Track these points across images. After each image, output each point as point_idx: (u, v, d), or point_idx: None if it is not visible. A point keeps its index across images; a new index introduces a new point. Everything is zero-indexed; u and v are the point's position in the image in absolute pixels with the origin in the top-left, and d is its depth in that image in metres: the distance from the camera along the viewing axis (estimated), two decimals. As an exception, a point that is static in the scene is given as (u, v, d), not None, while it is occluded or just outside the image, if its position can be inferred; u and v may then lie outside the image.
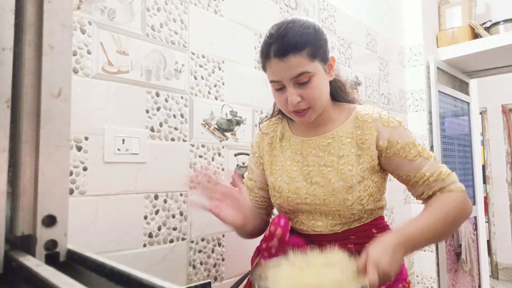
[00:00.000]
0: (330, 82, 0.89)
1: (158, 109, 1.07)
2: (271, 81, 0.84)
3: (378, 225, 0.91)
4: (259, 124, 1.05)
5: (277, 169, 0.94)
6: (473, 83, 2.93)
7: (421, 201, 0.89)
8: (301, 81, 0.80)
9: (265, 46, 0.82)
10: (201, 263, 1.16)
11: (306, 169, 0.89)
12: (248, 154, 1.34)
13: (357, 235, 0.88)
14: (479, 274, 2.74)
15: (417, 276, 2.35)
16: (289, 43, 0.78)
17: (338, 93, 0.94)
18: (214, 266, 1.20)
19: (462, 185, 0.86)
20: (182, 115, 1.14)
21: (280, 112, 1.01)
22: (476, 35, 2.47)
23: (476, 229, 2.77)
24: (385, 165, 0.89)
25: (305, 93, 0.81)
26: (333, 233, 0.88)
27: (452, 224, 0.82)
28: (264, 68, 0.85)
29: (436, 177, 0.85)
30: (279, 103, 0.87)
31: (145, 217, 1.03)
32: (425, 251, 2.31)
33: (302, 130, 0.95)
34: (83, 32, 0.92)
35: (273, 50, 0.79)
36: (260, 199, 1.03)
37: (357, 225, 0.88)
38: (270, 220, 0.99)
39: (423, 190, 0.87)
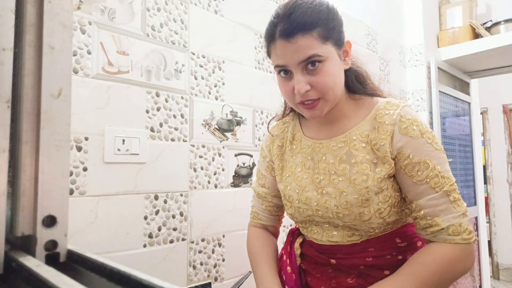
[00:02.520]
0: (346, 71, 0.77)
1: (158, 109, 1.07)
2: (276, 66, 0.72)
3: (403, 234, 0.79)
4: (268, 125, 0.94)
5: (286, 176, 0.84)
6: (474, 83, 2.93)
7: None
8: (311, 66, 0.69)
9: (270, 27, 0.71)
10: (201, 264, 1.16)
11: (317, 178, 0.78)
12: (248, 155, 1.34)
13: (376, 247, 0.77)
14: (480, 274, 2.73)
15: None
16: (297, 22, 0.67)
17: (355, 85, 0.80)
18: (215, 266, 1.20)
19: (469, 235, 0.69)
20: (182, 115, 1.14)
21: (292, 110, 0.90)
22: (476, 35, 2.47)
23: (477, 229, 2.77)
24: (396, 177, 0.75)
25: (315, 80, 0.69)
26: (351, 244, 0.78)
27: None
28: (269, 52, 0.74)
29: (430, 222, 0.70)
30: (285, 93, 0.74)
31: (145, 218, 1.03)
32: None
33: (314, 130, 0.83)
34: (83, 32, 0.93)
35: (278, 30, 0.68)
36: (273, 208, 0.94)
37: (379, 234, 0.77)
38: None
39: (419, 232, 0.75)
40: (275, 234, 0.98)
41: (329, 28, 0.69)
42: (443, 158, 0.72)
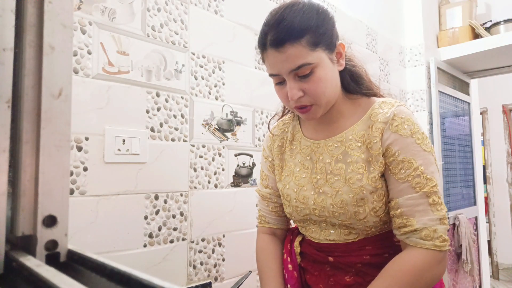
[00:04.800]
0: (341, 71, 0.77)
1: (158, 109, 1.07)
2: (270, 75, 0.74)
3: None
4: (268, 125, 0.95)
5: (285, 175, 0.86)
6: (474, 83, 2.93)
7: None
8: (302, 73, 0.69)
9: (261, 35, 0.72)
10: (201, 263, 1.16)
11: (314, 177, 0.80)
12: (249, 155, 1.34)
13: (374, 245, 0.78)
14: (479, 274, 2.74)
15: (417, 276, 2.34)
16: (286, 31, 0.67)
17: (350, 85, 0.80)
18: (215, 266, 1.20)
19: (442, 243, 0.69)
20: (182, 115, 1.14)
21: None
22: (476, 35, 2.47)
23: (476, 229, 2.77)
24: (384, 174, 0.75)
25: (307, 87, 0.71)
26: (348, 242, 0.78)
27: None
28: (263, 60, 0.75)
29: (404, 222, 0.70)
30: (281, 98, 0.77)
31: (146, 217, 1.03)
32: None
33: (313, 131, 0.84)
34: (83, 32, 0.93)
35: (269, 40, 0.69)
36: (279, 209, 0.92)
37: (376, 233, 0.78)
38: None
39: (394, 231, 0.75)
40: (284, 238, 0.96)
41: (319, 34, 0.69)
42: (430, 159, 0.72)
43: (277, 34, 0.68)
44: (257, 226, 0.98)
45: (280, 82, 0.74)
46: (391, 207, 0.74)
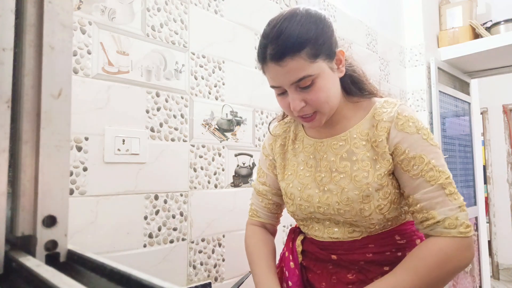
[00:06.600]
0: (342, 77, 0.78)
1: (158, 109, 1.07)
2: (271, 86, 0.76)
3: (402, 231, 0.80)
4: (269, 126, 0.96)
5: (289, 174, 0.86)
6: (474, 83, 2.93)
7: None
8: (303, 85, 0.70)
9: (261, 48, 0.72)
10: (201, 264, 1.16)
11: (319, 175, 0.81)
12: (249, 155, 1.34)
13: (376, 243, 0.79)
14: (480, 274, 2.73)
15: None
16: (285, 45, 0.67)
17: (352, 89, 0.81)
18: (215, 266, 1.20)
19: (466, 229, 0.69)
20: (182, 115, 1.14)
21: None
22: (476, 35, 2.47)
23: (477, 229, 2.77)
24: (394, 173, 0.76)
25: (309, 97, 0.72)
26: (352, 240, 0.79)
27: (435, 284, 0.68)
28: (263, 71, 0.76)
29: (426, 215, 0.71)
30: (283, 108, 0.78)
31: (145, 218, 1.03)
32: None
33: (316, 130, 0.86)
34: (83, 32, 0.93)
35: (268, 54, 0.69)
36: (272, 206, 0.94)
37: (379, 231, 0.79)
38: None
39: (417, 226, 0.75)
40: (273, 233, 0.99)
41: (318, 45, 0.69)
42: (439, 153, 0.73)
43: (277, 48, 0.68)
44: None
45: (282, 92, 0.75)
46: (409, 204, 0.74)
